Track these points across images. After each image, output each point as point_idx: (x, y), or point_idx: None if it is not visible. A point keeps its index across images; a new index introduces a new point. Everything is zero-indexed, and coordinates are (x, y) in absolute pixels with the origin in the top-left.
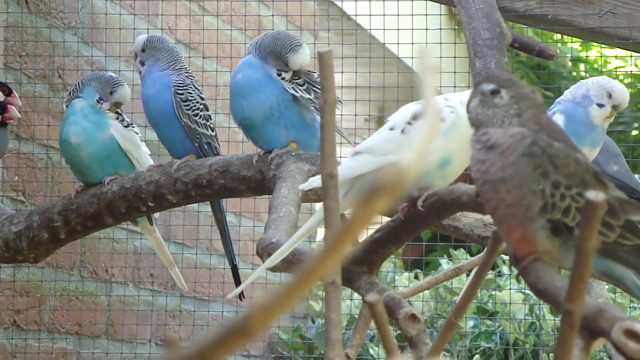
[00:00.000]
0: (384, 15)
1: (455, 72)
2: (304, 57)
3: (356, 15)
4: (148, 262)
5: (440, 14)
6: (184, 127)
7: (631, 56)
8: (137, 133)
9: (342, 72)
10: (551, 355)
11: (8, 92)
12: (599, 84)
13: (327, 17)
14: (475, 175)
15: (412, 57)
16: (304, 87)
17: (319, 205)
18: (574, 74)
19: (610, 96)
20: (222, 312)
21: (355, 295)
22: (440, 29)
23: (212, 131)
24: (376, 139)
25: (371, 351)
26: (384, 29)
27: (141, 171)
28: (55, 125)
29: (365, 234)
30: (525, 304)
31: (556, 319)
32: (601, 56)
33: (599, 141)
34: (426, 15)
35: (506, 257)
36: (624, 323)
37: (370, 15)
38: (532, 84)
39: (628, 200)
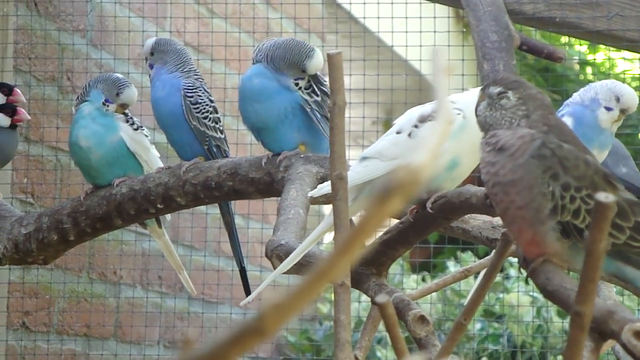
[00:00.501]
0: (392, 17)
1: (463, 75)
2: (319, 61)
3: (364, 17)
4: (156, 264)
5: (449, 17)
6: (193, 129)
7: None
8: (146, 136)
9: (350, 75)
10: (559, 357)
11: (8, 92)
12: (608, 88)
13: (335, 20)
14: (485, 178)
15: (420, 60)
16: (314, 93)
17: (327, 209)
18: (582, 77)
19: (618, 100)
20: (231, 314)
21: (363, 297)
22: (449, 31)
23: (222, 134)
24: (383, 144)
25: (379, 353)
26: (392, 32)
27: (150, 173)
28: (64, 127)
29: (373, 236)
30: (532, 306)
31: (564, 321)
32: (609, 59)
33: (607, 144)
34: (434, 17)
35: (514, 260)
36: (634, 325)
37: (378, 17)
38: (539, 86)
39: (638, 202)
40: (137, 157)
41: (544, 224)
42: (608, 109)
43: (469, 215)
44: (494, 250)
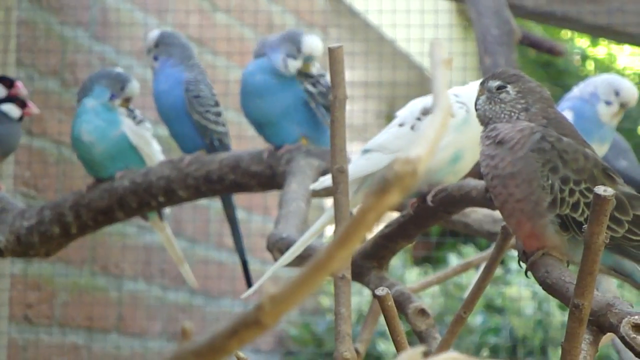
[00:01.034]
0: (394, 11)
1: (465, 69)
2: (315, 41)
3: (366, 11)
4: (158, 258)
5: (451, 11)
6: (194, 123)
7: None
8: (148, 129)
9: (352, 69)
10: (559, 350)
11: (10, 84)
12: (607, 82)
13: (337, 14)
14: (484, 171)
15: (422, 54)
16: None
17: (329, 202)
18: (583, 71)
19: (617, 94)
20: (233, 307)
21: (364, 290)
22: (451, 25)
23: (224, 127)
24: (386, 136)
25: (380, 346)
26: (394, 25)
27: (152, 166)
28: (66, 120)
29: (373, 229)
30: (533, 300)
31: (565, 314)
32: (609, 54)
33: (607, 138)
34: (436, 11)
35: (515, 254)
36: (632, 318)
37: (380, 11)
38: (540, 81)
39: (637, 195)
40: (139, 151)
41: (543, 217)
42: (607, 103)
43: (469, 208)
44: (494, 244)
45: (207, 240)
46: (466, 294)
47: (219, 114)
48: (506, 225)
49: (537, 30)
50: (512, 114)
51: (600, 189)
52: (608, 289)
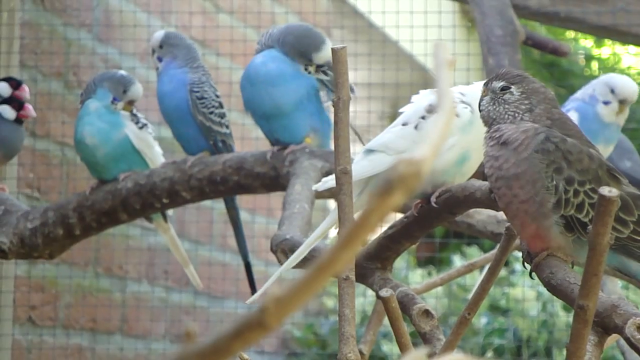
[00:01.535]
0: (397, 12)
1: (468, 69)
2: (327, 54)
3: (370, 12)
4: (162, 259)
5: (454, 11)
6: (198, 124)
7: None
8: (150, 133)
9: (355, 70)
10: (564, 351)
11: (16, 86)
12: (602, 82)
13: (341, 15)
14: (488, 172)
15: (426, 54)
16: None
17: (333, 203)
18: (587, 72)
19: (613, 92)
20: (236, 308)
21: (369, 292)
22: (454, 26)
23: (227, 129)
24: (389, 136)
25: (384, 348)
26: (397, 26)
27: (155, 168)
28: (70, 122)
29: (376, 230)
30: (538, 301)
31: (569, 315)
32: (614, 54)
33: (613, 139)
34: (440, 12)
35: (519, 255)
36: (637, 319)
37: (383, 12)
38: (544, 81)
39: None
40: (142, 154)
41: (547, 218)
42: (606, 103)
43: (473, 209)
44: (498, 245)
45: (211, 241)
46: (470, 295)
47: (222, 116)
48: (510, 226)
49: (540, 31)
50: (516, 114)
51: (605, 190)
52: (613, 290)
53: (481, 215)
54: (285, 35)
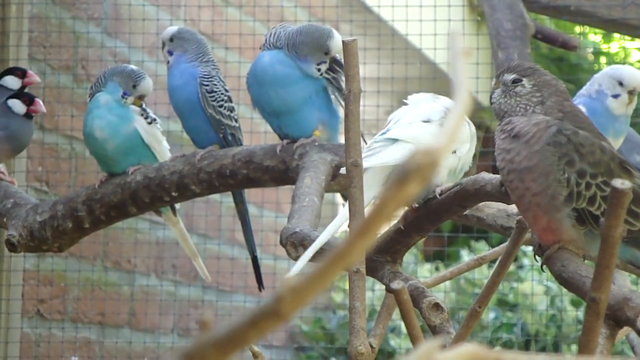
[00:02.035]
0: (406, 6)
1: (478, 64)
2: (339, 40)
3: (379, 6)
4: (171, 253)
5: (463, 5)
6: (208, 117)
7: None
8: (159, 128)
9: (364, 64)
10: (573, 346)
11: (22, 75)
12: (608, 76)
13: (350, 9)
14: (500, 165)
15: (435, 49)
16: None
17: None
18: (596, 66)
19: (621, 84)
20: (245, 302)
21: (377, 286)
22: (463, 20)
23: (236, 122)
24: (417, 130)
25: (392, 342)
26: (406, 21)
27: (165, 161)
28: (79, 115)
29: (391, 221)
30: (546, 295)
31: (578, 310)
32: (623, 49)
33: (622, 131)
34: (449, 6)
35: (527, 249)
36: None
37: (392, 6)
38: None
39: None
40: (151, 148)
41: (559, 210)
42: (615, 96)
43: (483, 203)
44: (509, 238)
45: (219, 235)
46: (478, 290)
47: (232, 109)
48: (522, 219)
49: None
50: (528, 107)
51: (617, 182)
52: (623, 284)
53: (491, 209)
54: (295, 36)
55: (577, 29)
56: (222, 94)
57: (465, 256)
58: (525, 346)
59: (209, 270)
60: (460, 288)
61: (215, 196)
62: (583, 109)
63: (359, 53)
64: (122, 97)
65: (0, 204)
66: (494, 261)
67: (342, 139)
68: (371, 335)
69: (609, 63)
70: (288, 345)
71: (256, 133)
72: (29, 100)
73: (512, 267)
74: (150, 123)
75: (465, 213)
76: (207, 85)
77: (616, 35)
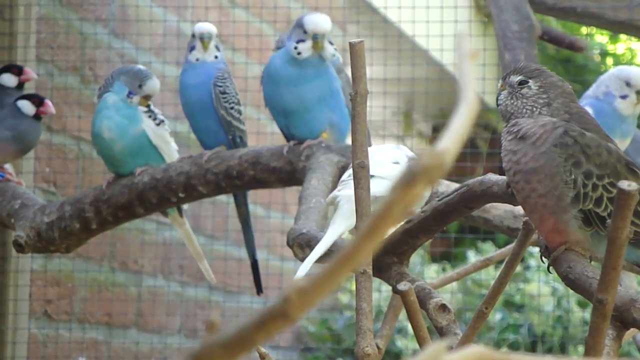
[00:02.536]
0: (413, 7)
1: (484, 65)
2: (318, 18)
3: (385, 7)
4: (178, 254)
5: (470, 6)
6: (220, 118)
7: None
8: (167, 130)
9: (371, 65)
10: (579, 347)
11: (19, 72)
12: (615, 77)
13: (356, 10)
14: (506, 166)
15: (442, 50)
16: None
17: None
18: (602, 67)
19: (629, 84)
20: (252, 303)
21: (384, 287)
22: (470, 21)
23: (244, 125)
24: (391, 169)
25: (399, 343)
26: (413, 22)
27: (172, 162)
28: (86, 117)
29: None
30: (553, 297)
31: (584, 311)
32: (629, 50)
33: (629, 132)
34: (456, 7)
35: (534, 250)
36: None
37: (399, 7)
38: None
39: None
40: (159, 149)
41: (565, 212)
42: (623, 97)
43: (490, 204)
44: (516, 239)
45: (226, 236)
46: (485, 291)
47: (240, 112)
48: (528, 221)
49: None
50: (534, 108)
51: (624, 184)
52: (629, 286)
53: (498, 210)
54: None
55: (584, 30)
56: (233, 96)
57: (472, 257)
58: (532, 347)
59: (216, 271)
60: (467, 289)
61: (222, 197)
62: (590, 110)
63: (365, 54)
64: (128, 96)
65: (8, 204)
66: (500, 262)
67: (349, 140)
68: (378, 336)
69: (615, 64)
70: (295, 346)
71: (263, 134)
72: (38, 101)
73: (518, 268)
74: (158, 124)
75: (472, 214)
76: (220, 87)
77: (623, 36)
